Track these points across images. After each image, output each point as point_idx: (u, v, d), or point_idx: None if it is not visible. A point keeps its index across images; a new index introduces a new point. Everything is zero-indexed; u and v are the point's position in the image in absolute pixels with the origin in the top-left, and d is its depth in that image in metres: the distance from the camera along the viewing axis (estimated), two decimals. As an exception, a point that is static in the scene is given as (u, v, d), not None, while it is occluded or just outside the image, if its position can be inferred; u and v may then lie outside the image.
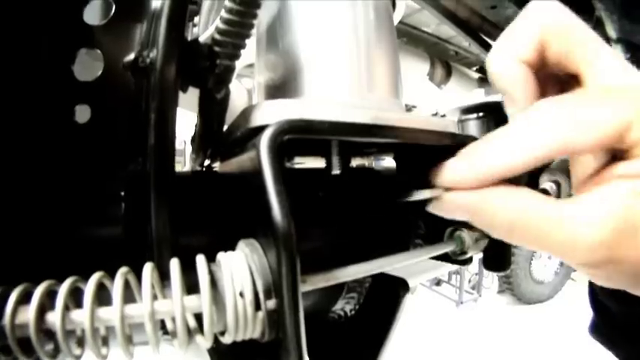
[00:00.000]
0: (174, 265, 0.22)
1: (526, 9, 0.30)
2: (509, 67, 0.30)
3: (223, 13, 0.29)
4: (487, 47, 1.20)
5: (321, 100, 0.28)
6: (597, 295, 0.35)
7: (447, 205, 0.30)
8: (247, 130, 0.26)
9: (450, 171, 0.29)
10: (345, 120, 0.25)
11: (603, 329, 0.34)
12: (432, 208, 0.31)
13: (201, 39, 0.30)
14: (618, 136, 0.24)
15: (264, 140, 0.22)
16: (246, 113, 0.26)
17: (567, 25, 0.28)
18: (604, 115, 0.24)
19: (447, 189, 0.29)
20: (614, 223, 0.24)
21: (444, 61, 1.48)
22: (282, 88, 0.35)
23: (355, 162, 0.47)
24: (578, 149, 0.25)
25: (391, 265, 0.28)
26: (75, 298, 0.20)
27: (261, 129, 0.23)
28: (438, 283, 4.05)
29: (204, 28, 0.69)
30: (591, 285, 0.36)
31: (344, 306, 0.40)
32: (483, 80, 1.58)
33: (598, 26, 0.83)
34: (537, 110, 0.27)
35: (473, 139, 0.34)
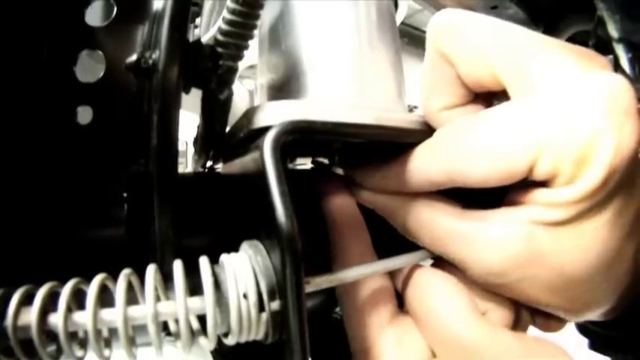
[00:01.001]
0: (178, 266, 0.21)
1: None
2: (439, 121, 0.28)
3: (226, 14, 0.29)
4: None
5: (324, 101, 0.28)
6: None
7: (360, 198, 0.32)
8: (250, 131, 0.26)
9: (365, 177, 0.32)
10: (348, 121, 0.25)
11: (600, 347, 0.33)
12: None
13: (204, 40, 0.30)
14: (520, 172, 0.23)
15: (268, 141, 0.22)
16: (249, 114, 0.26)
17: (469, 44, 0.25)
18: (504, 150, 0.23)
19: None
20: (513, 250, 0.24)
21: (445, 62, 1.48)
22: (284, 89, 0.35)
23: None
24: (469, 183, 0.24)
25: (395, 266, 0.28)
26: (77, 299, 0.20)
27: (264, 130, 0.23)
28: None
29: (206, 29, 0.69)
30: None
31: (339, 308, 0.40)
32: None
33: (600, 26, 0.83)
34: (434, 137, 0.27)
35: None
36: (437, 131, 0.27)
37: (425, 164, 0.27)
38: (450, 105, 0.28)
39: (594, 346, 0.33)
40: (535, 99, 0.23)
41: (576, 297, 0.25)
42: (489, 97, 0.28)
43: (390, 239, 0.31)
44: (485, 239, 0.25)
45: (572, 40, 1.22)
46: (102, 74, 0.27)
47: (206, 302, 0.20)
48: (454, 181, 0.25)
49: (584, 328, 0.34)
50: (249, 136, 0.27)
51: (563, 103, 0.22)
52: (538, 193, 0.24)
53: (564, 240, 0.23)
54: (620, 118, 0.21)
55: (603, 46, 0.98)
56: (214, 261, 0.23)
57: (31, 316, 0.19)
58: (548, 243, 0.23)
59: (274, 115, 0.25)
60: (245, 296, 0.21)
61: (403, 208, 0.29)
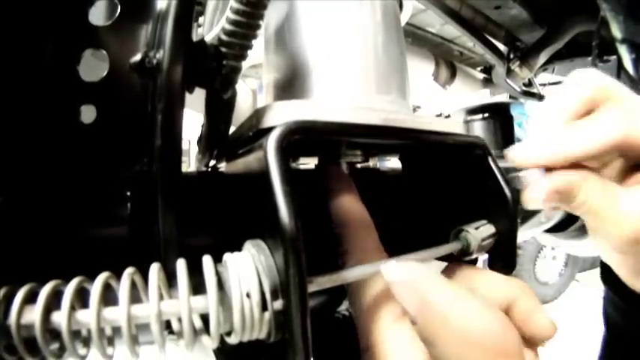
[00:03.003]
0: (181, 265, 0.22)
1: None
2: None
3: (229, 14, 0.29)
4: (491, 47, 1.20)
5: (331, 102, 0.28)
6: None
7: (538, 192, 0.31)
8: (258, 130, 0.26)
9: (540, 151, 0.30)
10: (356, 121, 0.25)
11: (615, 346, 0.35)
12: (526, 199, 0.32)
13: (207, 39, 0.30)
14: None
15: (272, 141, 0.22)
16: (259, 114, 0.26)
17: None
18: None
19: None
20: None
21: (448, 62, 1.48)
22: (290, 88, 0.35)
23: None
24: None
25: (397, 266, 0.28)
26: (81, 298, 0.20)
27: (271, 130, 0.23)
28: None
29: (209, 28, 0.69)
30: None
31: (349, 306, 0.40)
32: (488, 81, 1.58)
33: (603, 26, 0.83)
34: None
35: (479, 139, 0.34)
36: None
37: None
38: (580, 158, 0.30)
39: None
40: None
41: None
42: None
43: (395, 239, 0.32)
44: (622, 213, 0.28)
45: (575, 40, 1.22)
46: (105, 73, 0.27)
47: (209, 301, 0.20)
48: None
49: None
50: (256, 136, 0.27)
51: None
52: None
53: None
54: None
55: (606, 47, 0.98)
56: (217, 260, 0.23)
57: (34, 314, 0.19)
58: None
59: (283, 115, 0.25)
60: (248, 295, 0.21)
61: (580, 185, 0.30)
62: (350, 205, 0.32)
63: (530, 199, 0.31)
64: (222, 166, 0.40)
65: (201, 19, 0.76)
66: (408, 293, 0.25)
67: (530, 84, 1.51)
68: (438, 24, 1.31)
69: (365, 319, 0.28)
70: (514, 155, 0.31)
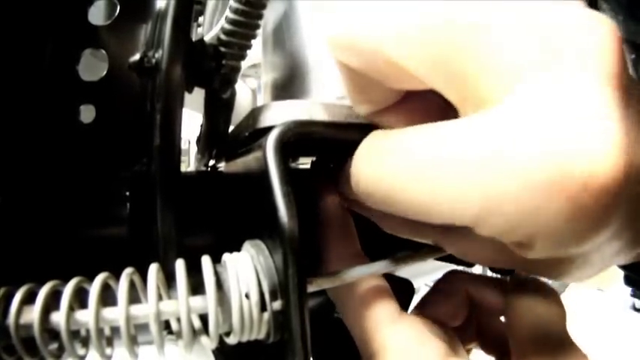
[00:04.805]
0: (180, 265, 0.21)
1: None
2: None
3: (229, 13, 0.29)
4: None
5: (330, 102, 0.28)
6: None
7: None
8: (256, 130, 0.26)
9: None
10: (355, 121, 0.25)
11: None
12: None
13: (206, 39, 0.30)
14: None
15: (271, 140, 0.22)
16: (256, 113, 0.26)
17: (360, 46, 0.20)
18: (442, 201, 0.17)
19: None
20: None
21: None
22: (288, 88, 0.35)
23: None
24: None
25: (397, 265, 0.28)
26: (80, 298, 0.20)
27: (269, 129, 0.23)
28: (442, 283, 4.03)
29: (209, 28, 0.69)
30: None
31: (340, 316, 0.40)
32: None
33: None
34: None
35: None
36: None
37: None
38: (376, 110, 0.24)
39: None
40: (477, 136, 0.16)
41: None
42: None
43: (388, 240, 0.31)
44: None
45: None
46: (105, 73, 0.27)
47: (208, 302, 0.20)
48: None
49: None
50: (253, 135, 0.27)
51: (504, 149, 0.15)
52: None
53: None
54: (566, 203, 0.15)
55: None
56: (216, 260, 0.23)
57: (33, 314, 0.19)
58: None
59: (281, 114, 0.25)
60: (247, 296, 0.21)
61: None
62: (324, 207, 0.32)
63: None
64: (222, 166, 0.40)
65: (200, 19, 0.76)
66: None
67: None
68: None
69: (361, 326, 0.27)
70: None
